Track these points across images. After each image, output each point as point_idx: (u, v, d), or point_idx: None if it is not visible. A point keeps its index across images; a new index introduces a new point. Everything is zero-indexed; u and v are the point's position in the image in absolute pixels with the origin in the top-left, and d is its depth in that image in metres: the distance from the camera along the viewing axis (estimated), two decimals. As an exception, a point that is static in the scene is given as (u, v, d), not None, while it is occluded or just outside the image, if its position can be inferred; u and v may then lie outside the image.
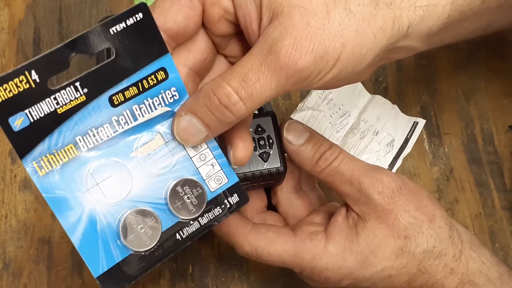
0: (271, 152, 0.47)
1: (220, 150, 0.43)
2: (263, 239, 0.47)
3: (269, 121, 0.48)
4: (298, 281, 0.58)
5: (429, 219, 0.46)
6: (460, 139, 0.65)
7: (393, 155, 0.63)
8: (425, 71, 0.67)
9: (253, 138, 0.47)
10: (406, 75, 0.67)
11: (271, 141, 0.47)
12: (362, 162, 0.47)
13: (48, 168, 0.38)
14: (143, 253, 0.41)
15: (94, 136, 0.39)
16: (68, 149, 0.39)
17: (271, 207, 0.52)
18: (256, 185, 0.49)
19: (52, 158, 0.38)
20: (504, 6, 0.48)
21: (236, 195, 0.43)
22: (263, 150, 0.47)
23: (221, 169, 0.43)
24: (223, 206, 0.43)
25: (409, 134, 0.64)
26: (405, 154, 0.63)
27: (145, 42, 0.39)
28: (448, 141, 0.65)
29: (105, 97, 0.39)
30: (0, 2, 0.67)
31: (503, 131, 0.65)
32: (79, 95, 0.38)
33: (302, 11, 0.38)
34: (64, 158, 0.39)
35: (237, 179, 0.43)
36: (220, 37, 0.43)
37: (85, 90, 0.38)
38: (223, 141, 0.43)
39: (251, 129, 0.47)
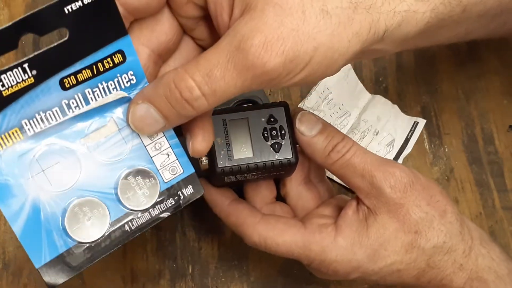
0: (283, 143, 0.46)
1: (177, 139, 0.41)
2: (272, 229, 0.47)
3: (282, 111, 0.47)
4: (298, 281, 0.58)
5: (440, 214, 0.46)
6: (460, 139, 0.65)
7: (394, 155, 0.63)
8: (426, 71, 0.67)
9: (265, 128, 0.46)
10: (407, 75, 0.67)
11: (283, 131, 0.47)
12: (374, 155, 0.46)
13: None
14: (88, 244, 0.39)
15: (41, 120, 0.38)
16: (12, 132, 0.37)
17: (279, 198, 0.52)
18: (267, 176, 0.48)
19: None
20: (484, 17, 0.47)
21: (190, 186, 0.42)
22: (275, 141, 0.46)
23: (177, 159, 0.42)
24: (176, 197, 0.42)
25: (410, 134, 0.64)
26: (406, 154, 0.63)
27: (103, 23, 0.37)
28: (449, 141, 0.65)
29: (55, 79, 0.37)
30: (0, 2, 0.67)
31: (504, 131, 0.65)
32: (27, 77, 0.36)
33: (277, 8, 0.36)
34: (8, 142, 0.37)
35: (193, 170, 0.42)
36: (188, 18, 0.41)
37: (34, 72, 0.36)
38: (182, 129, 0.42)
39: (263, 119, 0.47)
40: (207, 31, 0.43)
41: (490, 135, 0.65)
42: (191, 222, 0.60)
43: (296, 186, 0.50)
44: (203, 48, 0.44)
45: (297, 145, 0.47)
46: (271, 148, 0.46)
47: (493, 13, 0.47)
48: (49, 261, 0.39)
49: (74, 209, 0.39)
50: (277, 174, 0.48)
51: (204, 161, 0.46)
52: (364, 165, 0.45)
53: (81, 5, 0.35)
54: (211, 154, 0.46)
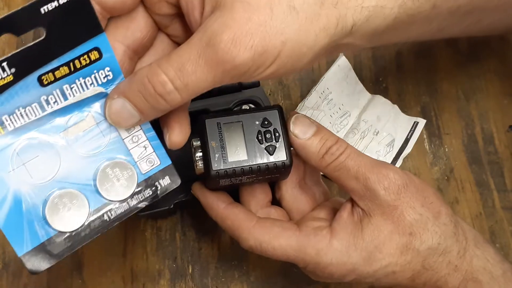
0: (277, 146, 0.46)
1: (154, 132, 0.43)
2: (268, 233, 0.47)
3: (276, 114, 0.47)
4: (298, 281, 0.58)
5: (435, 216, 0.46)
6: (460, 139, 0.65)
7: (394, 155, 0.63)
8: (426, 71, 0.67)
9: (260, 131, 0.47)
10: (407, 75, 0.67)
11: (277, 134, 0.47)
12: (368, 157, 0.47)
13: None
14: (69, 233, 0.41)
15: (21, 115, 0.39)
16: None
17: (275, 202, 0.52)
18: (262, 179, 0.48)
19: None
20: (456, 14, 0.47)
21: (167, 177, 0.43)
22: (269, 143, 0.46)
23: (154, 151, 0.43)
24: (153, 188, 0.43)
25: (410, 134, 0.64)
26: (406, 154, 0.63)
27: (79, 22, 0.38)
28: (449, 141, 0.65)
29: (33, 77, 0.38)
30: (0, 2, 0.67)
31: (504, 131, 0.65)
32: (6, 75, 0.37)
33: (245, 5, 0.38)
34: None
35: (170, 162, 0.43)
36: (162, 16, 0.43)
37: (13, 70, 0.37)
38: (160, 123, 0.43)
39: (257, 122, 0.47)
40: (182, 28, 0.44)
41: (490, 135, 0.65)
42: (191, 222, 0.60)
43: (291, 189, 0.50)
44: (178, 44, 0.45)
45: (292, 148, 0.47)
46: (266, 151, 0.46)
47: (465, 10, 0.47)
48: (31, 249, 0.40)
49: (54, 200, 0.41)
50: (272, 177, 0.48)
51: (200, 165, 0.47)
52: (358, 168, 0.46)
53: (57, 5, 0.37)
54: (206, 158, 0.46)
